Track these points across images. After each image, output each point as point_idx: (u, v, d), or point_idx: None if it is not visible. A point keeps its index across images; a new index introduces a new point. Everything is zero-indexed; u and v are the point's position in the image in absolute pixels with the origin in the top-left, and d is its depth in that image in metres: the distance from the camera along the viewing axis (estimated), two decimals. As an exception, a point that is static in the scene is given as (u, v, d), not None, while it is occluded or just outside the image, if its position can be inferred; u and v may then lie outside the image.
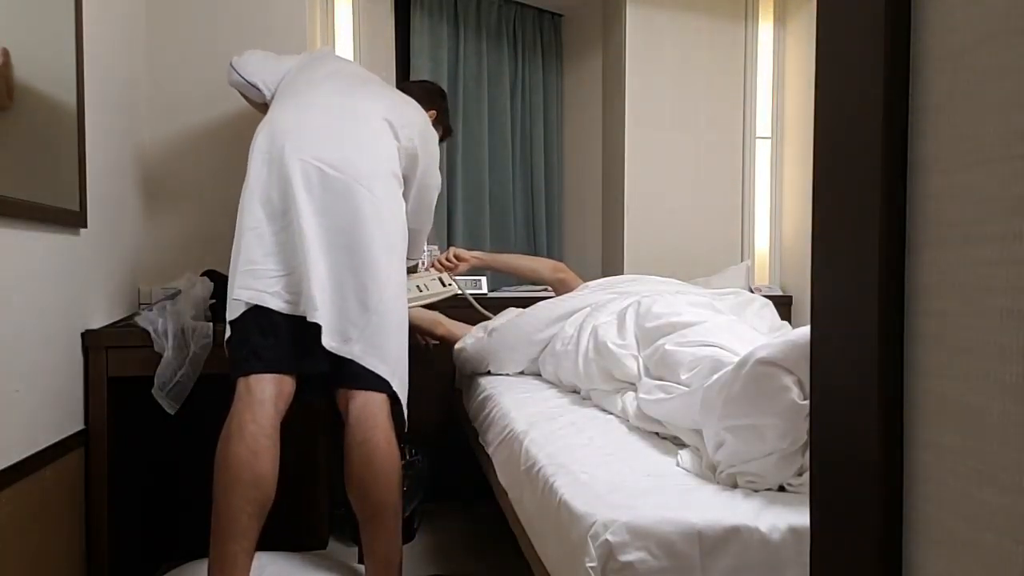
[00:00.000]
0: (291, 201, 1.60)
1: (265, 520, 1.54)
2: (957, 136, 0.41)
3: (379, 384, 1.63)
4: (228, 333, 1.62)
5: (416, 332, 2.40)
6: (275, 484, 1.54)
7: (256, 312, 1.60)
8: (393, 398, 1.66)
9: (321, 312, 1.57)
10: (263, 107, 1.90)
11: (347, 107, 1.75)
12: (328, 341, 1.58)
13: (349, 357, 1.60)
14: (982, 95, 0.39)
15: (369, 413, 1.62)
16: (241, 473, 1.50)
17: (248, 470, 1.50)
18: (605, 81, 3.27)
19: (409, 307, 2.28)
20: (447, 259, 2.50)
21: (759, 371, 1.12)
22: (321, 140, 1.66)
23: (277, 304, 1.60)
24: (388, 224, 1.68)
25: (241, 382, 1.58)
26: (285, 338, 1.61)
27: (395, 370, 1.66)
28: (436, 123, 2.13)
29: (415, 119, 1.91)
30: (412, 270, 2.38)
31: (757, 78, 3.06)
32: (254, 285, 1.60)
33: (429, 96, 2.20)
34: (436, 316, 2.42)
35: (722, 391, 1.18)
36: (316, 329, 1.57)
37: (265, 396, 1.57)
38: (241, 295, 1.60)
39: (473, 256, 2.53)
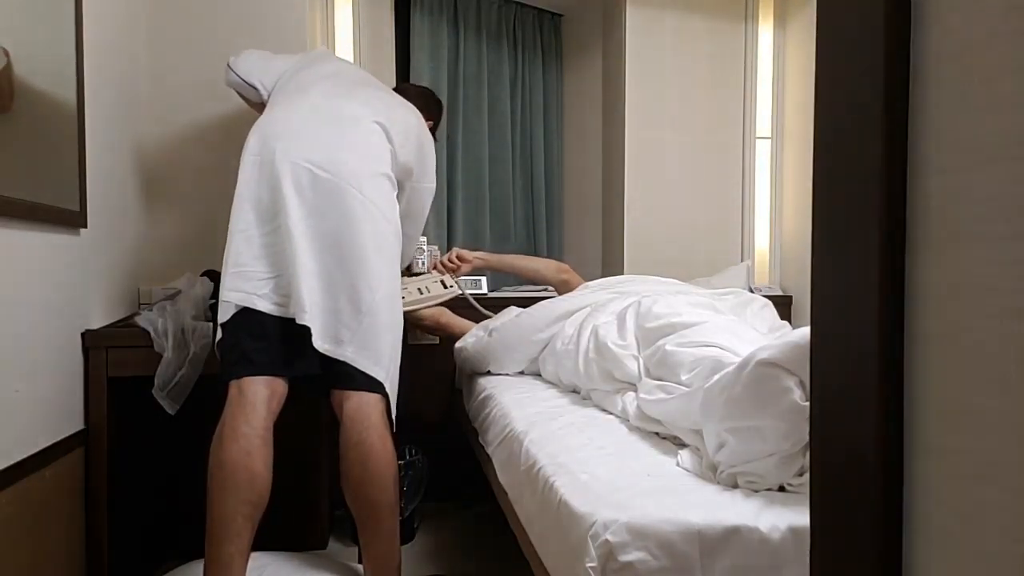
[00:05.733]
0: (281, 203, 1.60)
1: (261, 521, 1.53)
2: (957, 136, 0.41)
3: (373, 385, 1.63)
4: (219, 336, 1.62)
5: (418, 327, 2.40)
6: (269, 485, 1.54)
7: (246, 314, 1.60)
8: (388, 398, 1.66)
9: (311, 314, 1.56)
10: (260, 107, 1.90)
11: (339, 109, 1.74)
12: (320, 343, 1.57)
13: (342, 359, 1.60)
14: (982, 95, 0.39)
15: (363, 414, 1.62)
16: (235, 474, 1.50)
17: (242, 471, 1.50)
18: (605, 81, 3.27)
19: (412, 311, 2.29)
20: (449, 260, 2.50)
21: (761, 372, 1.11)
22: (312, 142, 1.65)
23: (266, 306, 1.60)
24: (380, 225, 1.67)
25: (233, 385, 1.58)
26: (276, 340, 1.61)
27: (388, 371, 1.66)
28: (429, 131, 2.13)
29: (409, 122, 1.90)
30: (405, 273, 2.38)
31: (757, 78, 3.06)
32: (243, 287, 1.60)
33: (426, 102, 2.20)
34: (440, 308, 2.42)
35: (723, 392, 1.17)
36: (307, 331, 1.57)
37: (257, 399, 1.56)
38: (230, 297, 1.60)
39: (476, 257, 2.52)
